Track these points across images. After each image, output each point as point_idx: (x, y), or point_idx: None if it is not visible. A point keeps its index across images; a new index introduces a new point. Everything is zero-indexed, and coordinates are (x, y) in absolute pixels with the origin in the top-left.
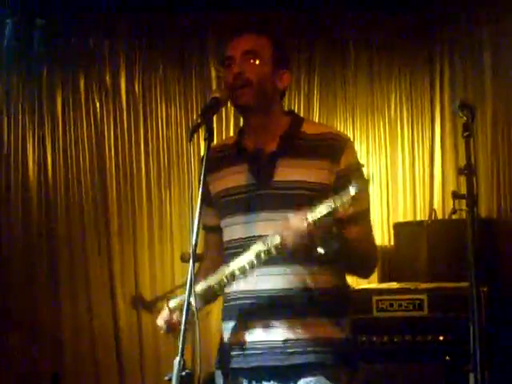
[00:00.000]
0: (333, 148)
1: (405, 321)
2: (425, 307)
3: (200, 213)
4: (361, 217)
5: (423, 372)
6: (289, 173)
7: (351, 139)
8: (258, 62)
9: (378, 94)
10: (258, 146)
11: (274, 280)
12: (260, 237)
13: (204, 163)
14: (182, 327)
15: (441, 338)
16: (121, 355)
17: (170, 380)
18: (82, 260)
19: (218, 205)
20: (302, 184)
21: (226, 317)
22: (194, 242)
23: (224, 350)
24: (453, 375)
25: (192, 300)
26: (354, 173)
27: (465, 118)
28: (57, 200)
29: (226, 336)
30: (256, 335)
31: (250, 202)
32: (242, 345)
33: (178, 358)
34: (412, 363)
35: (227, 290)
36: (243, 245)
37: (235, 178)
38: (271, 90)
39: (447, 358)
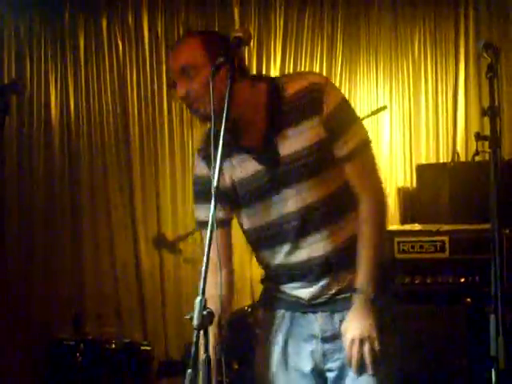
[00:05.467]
0: (314, 101)
1: (426, 263)
2: (446, 249)
3: (221, 156)
4: (356, 152)
5: (444, 314)
6: (288, 145)
7: (327, 79)
8: (195, 76)
9: (401, 36)
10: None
11: (313, 248)
12: (288, 214)
13: (226, 107)
14: (204, 267)
15: (462, 279)
16: (143, 296)
17: (191, 319)
18: (104, 201)
19: (231, 194)
20: (302, 152)
21: (269, 280)
22: (215, 184)
23: (269, 291)
24: (474, 317)
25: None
26: (338, 113)
27: (489, 59)
28: (79, 143)
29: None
30: (301, 291)
31: (267, 185)
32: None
33: (199, 298)
34: (433, 305)
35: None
36: (275, 225)
37: (243, 165)
38: (219, 95)
39: (468, 299)
